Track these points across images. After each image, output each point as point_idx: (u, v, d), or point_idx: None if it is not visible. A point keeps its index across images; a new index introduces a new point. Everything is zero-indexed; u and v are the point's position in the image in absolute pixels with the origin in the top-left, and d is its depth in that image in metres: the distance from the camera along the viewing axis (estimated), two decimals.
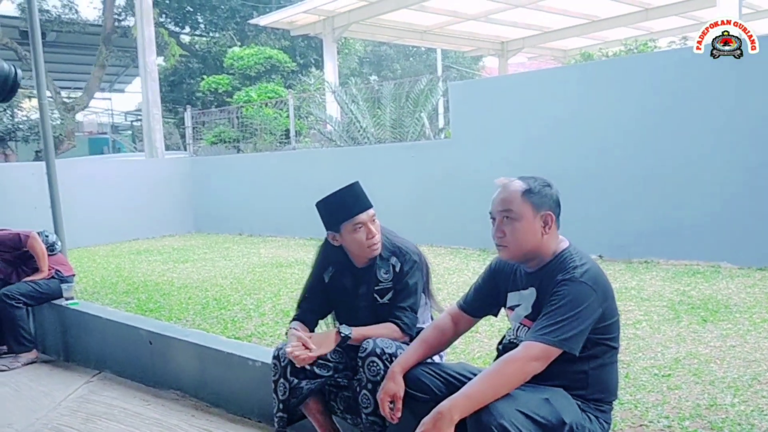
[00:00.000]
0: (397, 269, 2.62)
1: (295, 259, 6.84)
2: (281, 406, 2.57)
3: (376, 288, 2.63)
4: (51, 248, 5.00)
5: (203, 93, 15.54)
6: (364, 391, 2.39)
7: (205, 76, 16.45)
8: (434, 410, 1.92)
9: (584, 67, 8.66)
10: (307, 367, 2.57)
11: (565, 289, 2.01)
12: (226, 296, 5.07)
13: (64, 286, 4.90)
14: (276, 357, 2.60)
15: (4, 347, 4.76)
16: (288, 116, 10.59)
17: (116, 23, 19.34)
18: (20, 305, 4.67)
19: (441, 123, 9.95)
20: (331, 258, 2.73)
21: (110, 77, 26.75)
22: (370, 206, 2.60)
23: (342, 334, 2.46)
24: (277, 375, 2.58)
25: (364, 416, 2.41)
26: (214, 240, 9.29)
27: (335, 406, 2.68)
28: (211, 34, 21.68)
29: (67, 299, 4.89)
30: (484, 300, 2.38)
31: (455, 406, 1.91)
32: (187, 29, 22.39)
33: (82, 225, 8.19)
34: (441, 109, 10.63)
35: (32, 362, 4.69)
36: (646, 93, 5.87)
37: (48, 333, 4.96)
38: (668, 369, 2.98)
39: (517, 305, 2.23)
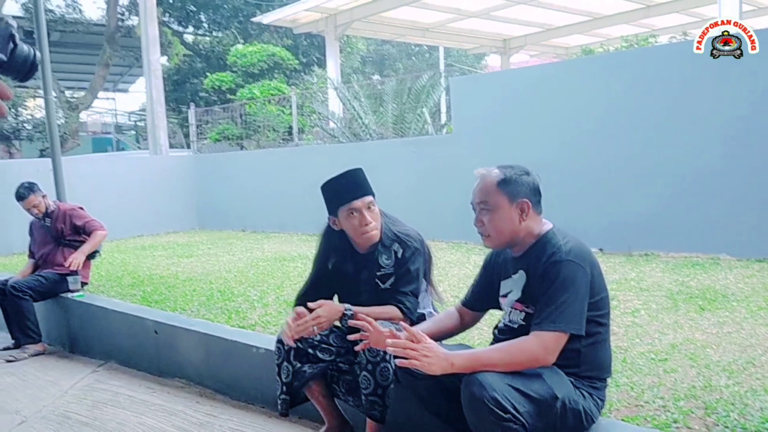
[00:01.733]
0: (399, 255, 2.67)
1: (298, 254, 6.90)
2: (284, 388, 2.63)
3: (378, 273, 2.68)
4: (93, 255, 5.19)
5: (207, 92, 15.62)
6: (364, 373, 2.44)
7: (208, 74, 16.52)
8: (441, 349, 2.01)
9: (584, 60, 8.71)
10: (310, 351, 2.64)
11: (554, 271, 2.07)
12: (230, 288, 5.12)
13: (69, 278, 4.96)
14: (279, 341, 2.66)
15: (12, 341, 4.83)
16: (291, 113, 10.65)
17: (120, 23, 19.45)
18: (27, 297, 4.74)
19: (443, 119, 10.00)
20: (333, 244, 2.77)
21: (114, 77, 26.88)
22: (368, 193, 2.64)
23: (345, 311, 2.52)
24: (280, 359, 2.64)
25: (364, 397, 2.46)
26: (217, 236, 9.36)
27: (337, 389, 2.73)
28: (214, 33, 21.76)
29: (72, 291, 4.95)
30: (482, 294, 2.46)
31: (459, 356, 2.01)
32: (191, 28, 22.48)
33: None
34: (443, 107, 10.69)
35: (39, 354, 4.75)
36: (648, 87, 5.91)
37: (53, 325, 5.02)
38: (665, 354, 3.02)
39: (510, 291, 2.29)
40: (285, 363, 2.63)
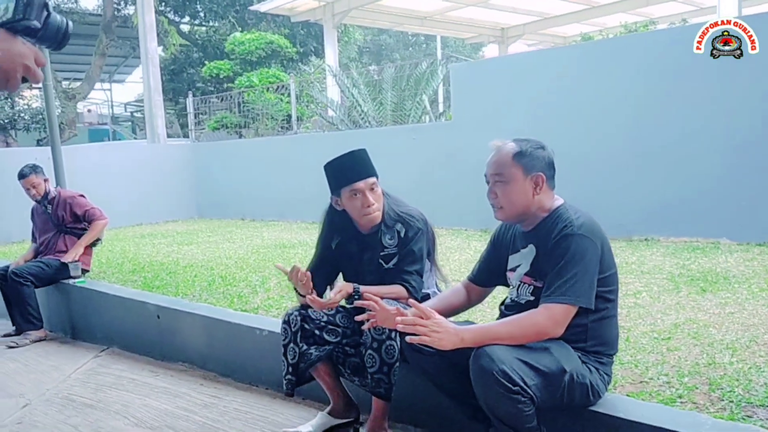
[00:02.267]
0: (402, 235, 2.67)
1: (298, 241, 6.90)
2: (290, 369, 2.63)
3: (381, 254, 2.68)
4: (94, 243, 5.18)
5: (204, 82, 15.57)
6: (370, 351, 2.44)
7: (206, 62, 16.45)
8: (451, 324, 2.03)
9: (584, 46, 8.67)
10: (317, 332, 2.64)
11: (566, 245, 2.07)
12: (232, 274, 5.13)
13: (71, 265, 4.95)
14: (286, 322, 2.66)
15: (13, 327, 4.83)
16: (289, 101, 10.62)
17: (116, 12, 19.32)
18: (28, 284, 4.74)
19: (441, 108, 9.99)
20: (336, 224, 2.77)
21: (110, 68, 26.75)
22: (371, 174, 2.62)
23: (354, 291, 2.52)
24: (287, 339, 2.64)
25: (369, 375, 2.46)
26: (217, 225, 9.35)
27: (343, 369, 2.73)
28: (210, 23, 21.63)
29: (74, 278, 4.95)
30: (489, 270, 2.46)
31: (468, 331, 2.02)
32: (187, 18, 22.33)
33: None
34: (441, 98, 10.67)
35: (41, 340, 4.75)
36: (644, 71, 5.91)
37: (55, 311, 5.02)
38: (668, 333, 3.04)
39: (518, 265, 2.29)
40: (291, 344, 2.63)
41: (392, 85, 9.06)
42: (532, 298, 2.19)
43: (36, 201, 5.14)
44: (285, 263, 5.44)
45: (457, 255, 5.52)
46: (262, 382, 3.39)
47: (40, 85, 7.18)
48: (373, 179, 2.63)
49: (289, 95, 10.65)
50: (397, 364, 2.45)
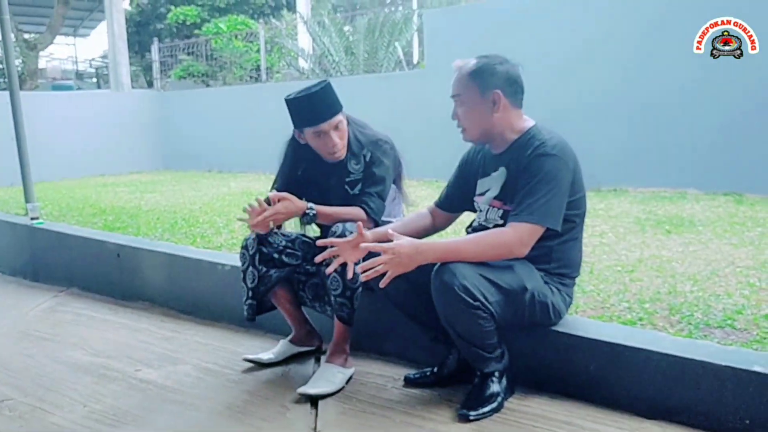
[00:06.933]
0: (367, 159, 2.60)
1: (266, 190, 6.77)
2: (250, 293, 2.58)
3: (347, 180, 2.60)
4: None
5: (171, 35, 15.03)
6: (334, 274, 2.38)
7: (172, 7, 15.85)
8: (404, 244, 1.97)
9: None
10: (275, 256, 2.58)
11: (537, 164, 2.02)
12: (195, 217, 5.02)
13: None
14: (244, 247, 2.60)
15: None
16: (258, 51, 10.34)
17: None
18: None
19: (415, 58, 9.84)
20: (300, 155, 2.68)
21: (74, 21, 25.83)
22: (335, 113, 2.49)
23: (308, 210, 2.45)
24: (245, 264, 2.58)
25: (333, 298, 2.42)
26: (182, 176, 9.16)
27: (304, 296, 2.69)
28: None
29: (32, 219, 4.80)
30: (456, 195, 2.40)
31: (430, 247, 1.97)
32: None
33: (45, 159, 8.01)
34: (415, 49, 10.48)
35: None
36: (620, 20, 5.86)
37: (12, 253, 4.88)
38: (631, 267, 3.05)
39: (487, 189, 2.24)
40: (250, 268, 2.57)
41: (365, 35, 8.86)
42: (501, 221, 2.14)
43: None
44: None
45: (427, 203, 5.47)
46: (224, 319, 3.32)
47: None
48: (338, 118, 2.50)
49: (258, 44, 10.35)
50: (360, 289, 2.41)
